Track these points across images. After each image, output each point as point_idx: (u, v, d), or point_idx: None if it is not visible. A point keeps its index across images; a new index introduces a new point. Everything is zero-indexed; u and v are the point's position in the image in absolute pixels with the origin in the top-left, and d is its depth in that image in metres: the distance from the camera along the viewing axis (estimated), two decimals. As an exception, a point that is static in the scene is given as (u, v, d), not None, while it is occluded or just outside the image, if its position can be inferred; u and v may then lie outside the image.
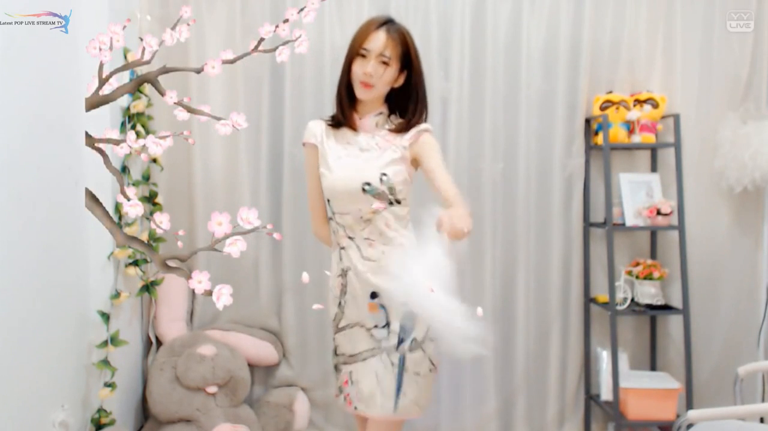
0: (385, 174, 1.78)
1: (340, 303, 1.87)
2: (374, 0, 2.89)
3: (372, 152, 1.84)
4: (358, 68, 1.80)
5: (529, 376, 3.01)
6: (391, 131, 1.86)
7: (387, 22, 1.82)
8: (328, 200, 1.86)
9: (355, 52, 1.81)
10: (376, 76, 1.79)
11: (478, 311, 1.67)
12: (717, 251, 3.03)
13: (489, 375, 2.98)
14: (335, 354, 1.92)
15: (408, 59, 1.84)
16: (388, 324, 1.81)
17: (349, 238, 1.83)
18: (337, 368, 1.92)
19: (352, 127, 1.88)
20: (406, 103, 1.88)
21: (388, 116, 1.90)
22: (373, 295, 1.81)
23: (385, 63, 1.79)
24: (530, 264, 2.99)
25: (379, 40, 1.78)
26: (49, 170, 1.85)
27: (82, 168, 2.02)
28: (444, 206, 1.78)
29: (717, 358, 3.02)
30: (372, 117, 1.87)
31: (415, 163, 1.85)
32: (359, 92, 1.83)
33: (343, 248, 1.85)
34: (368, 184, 1.78)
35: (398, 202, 1.82)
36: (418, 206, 1.63)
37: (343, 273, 1.84)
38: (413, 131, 1.84)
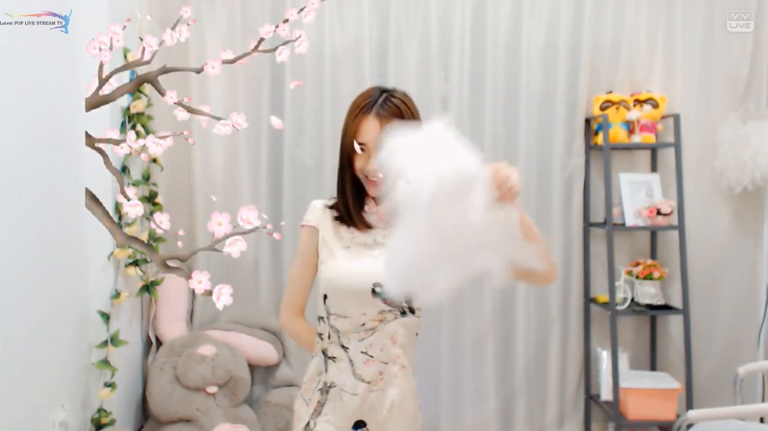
0: None
1: (308, 425, 1.49)
2: (374, 0, 2.89)
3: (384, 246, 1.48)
4: (360, 163, 1.48)
5: (529, 376, 3.01)
6: None
7: (377, 101, 1.48)
8: (325, 296, 1.50)
9: (350, 149, 1.49)
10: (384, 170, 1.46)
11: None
12: (717, 251, 3.03)
13: (489, 375, 2.98)
14: None
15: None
16: None
17: (343, 347, 1.47)
18: None
19: (365, 225, 1.53)
20: None
21: None
22: (357, 425, 1.48)
23: None
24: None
25: (373, 129, 1.45)
26: (49, 170, 1.85)
27: (82, 168, 2.01)
28: None
29: (717, 358, 3.02)
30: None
31: None
32: (370, 190, 1.51)
33: (332, 358, 1.49)
34: (380, 285, 1.43)
35: (412, 311, 1.49)
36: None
37: (325, 389, 1.49)
38: None
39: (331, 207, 1.57)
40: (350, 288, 1.46)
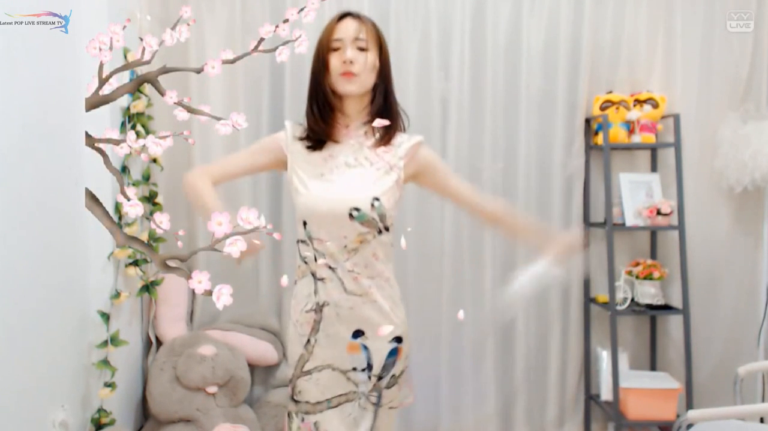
0: (377, 199, 1.55)
1: (308, 342, 1.62)
2: (374, 0, 2.89)
3: (360, 168, 1.59)
4: (335, 61, 1.58)
5: (529, 376, 3.01)
6: (377, 144, 1.62)
7: (351, 13, 1.64)
8: (305, 223, 1.58)
9: (327, 48, 1.59)
10: (358, 63, 1.56)
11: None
12: (717, 251, 3.03)
13: (489, 375, 2.98)
14: (293, 400, 1.66)
15: (381, 47, 1.63)
16: (369, 367, 1.60)
17: (330, 268, 1.56)
18: (293, 415, 1.66)
19: (335, 138, 1.62)
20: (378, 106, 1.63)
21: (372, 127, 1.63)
22: (356, 334, 1.59)
23: (362, 49, 1.58)
24: (530, 264, 2.99)
25: (350, 27, 1.59)
26: (49, 170, 1.85)
27: (82, 168, 2.01)
28: (496, 224, 1.76)
29: (717, 358, 3.02)
30: (360, 126, 1.63)
31: (413, 179, 1.66)
32: (342, 86, 1.58)
33: (321, 279, 1.58)
34: (357, 209, 1.53)
35: (387, 229, 1.59)
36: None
37: (318, 308, 1.59)
38: (406, 146, 1.63)
39: (302, 139, 1.64)
40: (328, 214, 1.54)
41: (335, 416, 1.60)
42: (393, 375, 1.63)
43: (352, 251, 1.56)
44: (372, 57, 1.60)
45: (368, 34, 1.60)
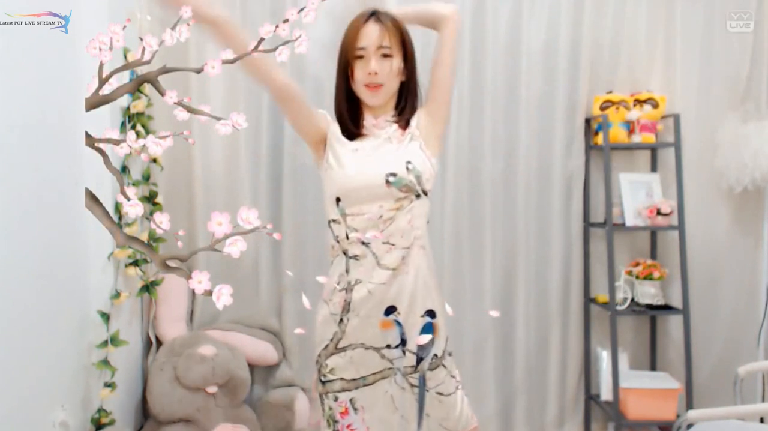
0: (410, 162, 1.57)
1: (341, 320, 1.61)
2: (374, 1, 2.88)
3: (389, 145, 1.62)
4: (360, 72, 1.59)
5: (530, 376, 3.01)
6: (401, 126, 1.66)
7: (374, 13, 1.61)
8: (338, 200, 1.60)
9: (350, 56, 1.59)
10: (383, 73, 1.57)
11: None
12: (717, 251, 3.03)
13: (489, 375, 2.98)
14: (324, 381, 1.64)
15: (405, 47, 1.63)
16: (403, 342, 1.59)
17: (364, 244, 1.57)
18: (325, 397, 1.65)
19: (364, 132, 1.66)
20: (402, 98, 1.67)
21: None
22: (389, 310, 1.58)
23: (387, 56, 1.58)
24: (530, 264, 2.99)
25: (373, 33, 1.57)
26: (49, 170, 1.85)
27: (82, 168, 2.01)
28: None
29: (717, 358, 3.02)
30: (386, 120, 1.66)
31: (429, 106, 1.69)
32: (368, 98, 1.62)
33: (354, 257, 1.58)
34: (393, 174, 1.55)
35: (425, 193, 1.60)
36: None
37: (350, 287, 1.59)
38: (415, 118, 1.67)
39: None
40: (365, 186, 1.55)
41: (371, 393, 1.60)
42: (435, 355, 1.60)
43: (387, 221, 1.56)
44: (396, 62, 1.61)
45: (392, 39, 1.59)
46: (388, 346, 1.60)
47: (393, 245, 1.56)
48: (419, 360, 1.60)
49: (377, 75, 1.57)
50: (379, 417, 1.61)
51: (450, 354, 1.65)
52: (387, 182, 1.55)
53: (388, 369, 1.61)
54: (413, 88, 1.68)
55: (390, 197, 1.55)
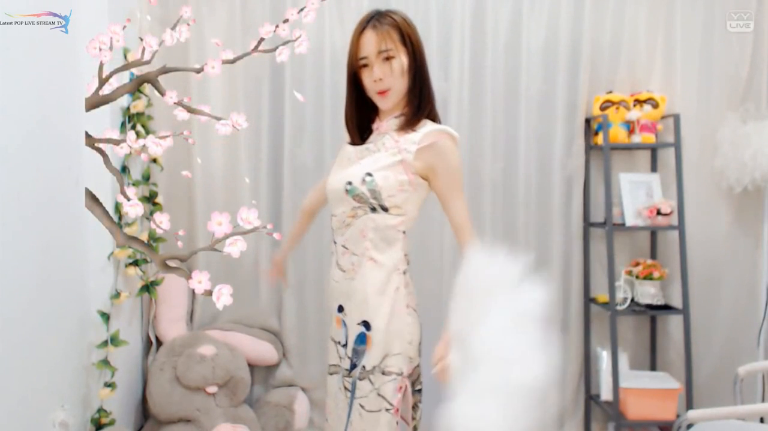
0: (369, 175, 1.59)
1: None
2: (374, 0, 2.89)
3: (376, 154, 1.65)
4: (367, 80, 1.65)
5: (530, 376, 3.01)
6: (400, 128, 1.66)
7: (371, 18, 1.64)
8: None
9: (356, 67, 1.66)
10: (387, 77, 1.61)
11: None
12: (717, 251, 3.03)
13: (489, 375, 2.97)
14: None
15: (409, 42, 1.64)
16: (347, 344, 1.66)
17: (334, 242, 1.71)
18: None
19: (361, 139, 1.74)
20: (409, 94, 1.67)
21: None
22: (340, 308, 1.69)
23: (389, 58, 1.61)
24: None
25: (370, 41, 1.61)
26: (49, 170, 1.85)
27: (82, 168, 2.01)
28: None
29: (717, 358, 3.02)
30: (391, 120, 1.69)
31: (424, 173, 1.62)
32: (381, 103, 1.67)
33: (332, 253, 1.73)
34: (350, 183, 1.61)
35: (384, 209, 1.61)
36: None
37: (329, 281, 1.76)
38: (426, 131, 1.61)
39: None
40: (332, 190, 1.69)
41: (331, 383, 1.75)
42: (363, 367, 1.59)
43: (346, 227, 1.66)
44: (399, 62, 1.62)
45: (391, 41, 1.61)
46: (339, 342, 1.70)
47: (347, 249, 1.66)
48: (353, 365, 1.63)
49: (382, 81, 1.62)
50: (332, 407, 1.74)
51: (387, 375, 1.58)
52: (345, 189, 1.63)
53: (337, 365, 1.71)
54: (423, 78, 1.68)
55: (348, 204, 1.64)
